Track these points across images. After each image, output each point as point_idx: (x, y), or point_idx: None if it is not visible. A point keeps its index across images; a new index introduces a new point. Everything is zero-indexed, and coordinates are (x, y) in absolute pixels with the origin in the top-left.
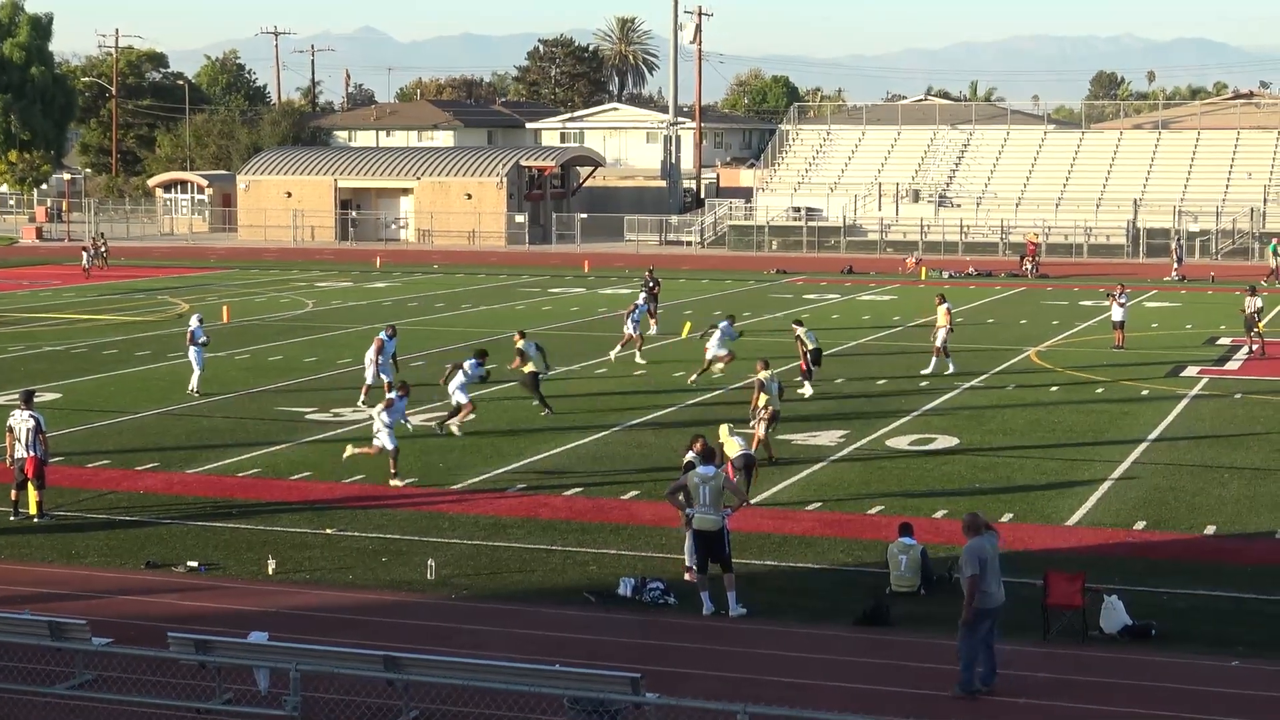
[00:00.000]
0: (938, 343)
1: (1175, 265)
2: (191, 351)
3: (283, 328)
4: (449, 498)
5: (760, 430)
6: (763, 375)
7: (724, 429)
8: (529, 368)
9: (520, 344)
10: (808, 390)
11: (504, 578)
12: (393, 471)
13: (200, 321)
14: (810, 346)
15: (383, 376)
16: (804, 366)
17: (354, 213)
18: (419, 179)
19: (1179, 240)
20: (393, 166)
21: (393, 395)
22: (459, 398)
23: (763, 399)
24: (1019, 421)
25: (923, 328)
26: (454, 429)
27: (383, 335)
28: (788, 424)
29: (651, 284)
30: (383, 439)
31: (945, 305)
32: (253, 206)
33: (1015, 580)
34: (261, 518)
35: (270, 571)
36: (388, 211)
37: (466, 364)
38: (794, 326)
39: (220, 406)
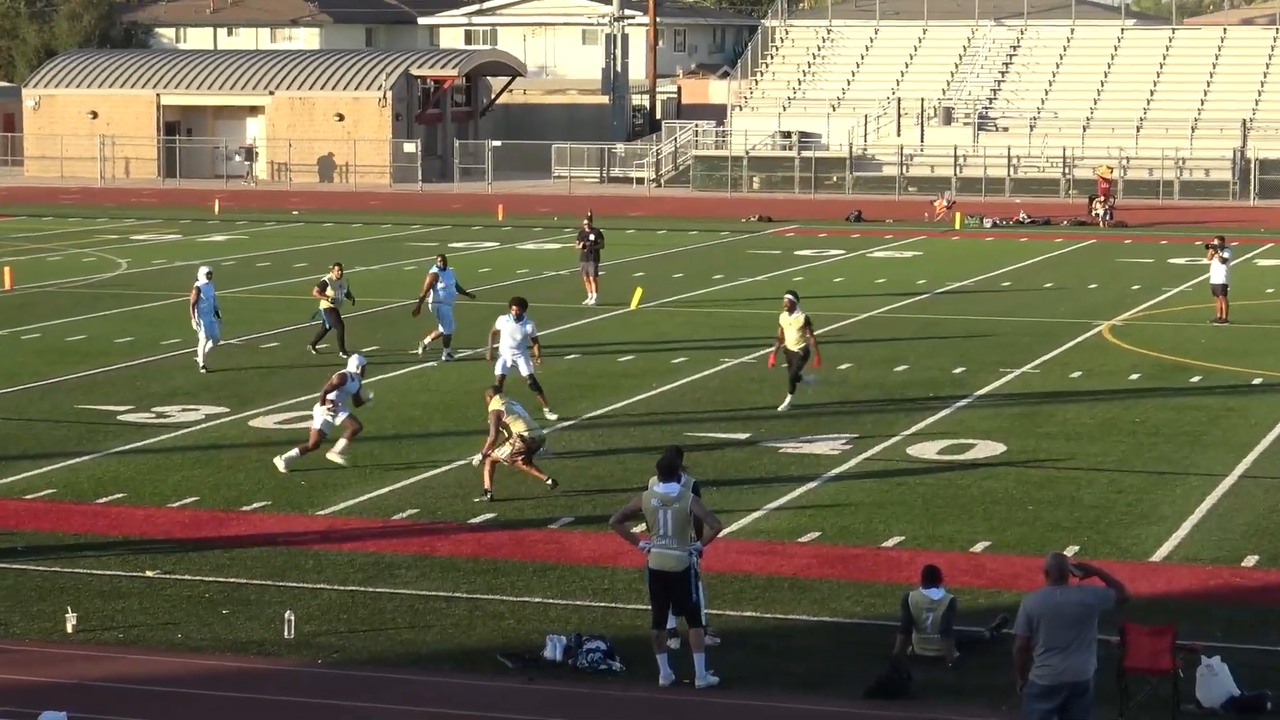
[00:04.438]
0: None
1: None
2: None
3: (86, 297)
4: (314, 529)
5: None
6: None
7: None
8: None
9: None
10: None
11: (389, 636)
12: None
13: (209, 277)
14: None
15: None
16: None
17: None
18: (273, 93)
19: None
20: (237, 76)
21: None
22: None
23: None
24: (1086, 422)
25: (955, 295)
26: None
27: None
28: (774, 428)
29: (591, 236)
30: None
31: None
32: (45, 131)
33: None
34: (58, 556)
35: (70, 629)
36: (230, 137)
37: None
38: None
39: (1, 404)
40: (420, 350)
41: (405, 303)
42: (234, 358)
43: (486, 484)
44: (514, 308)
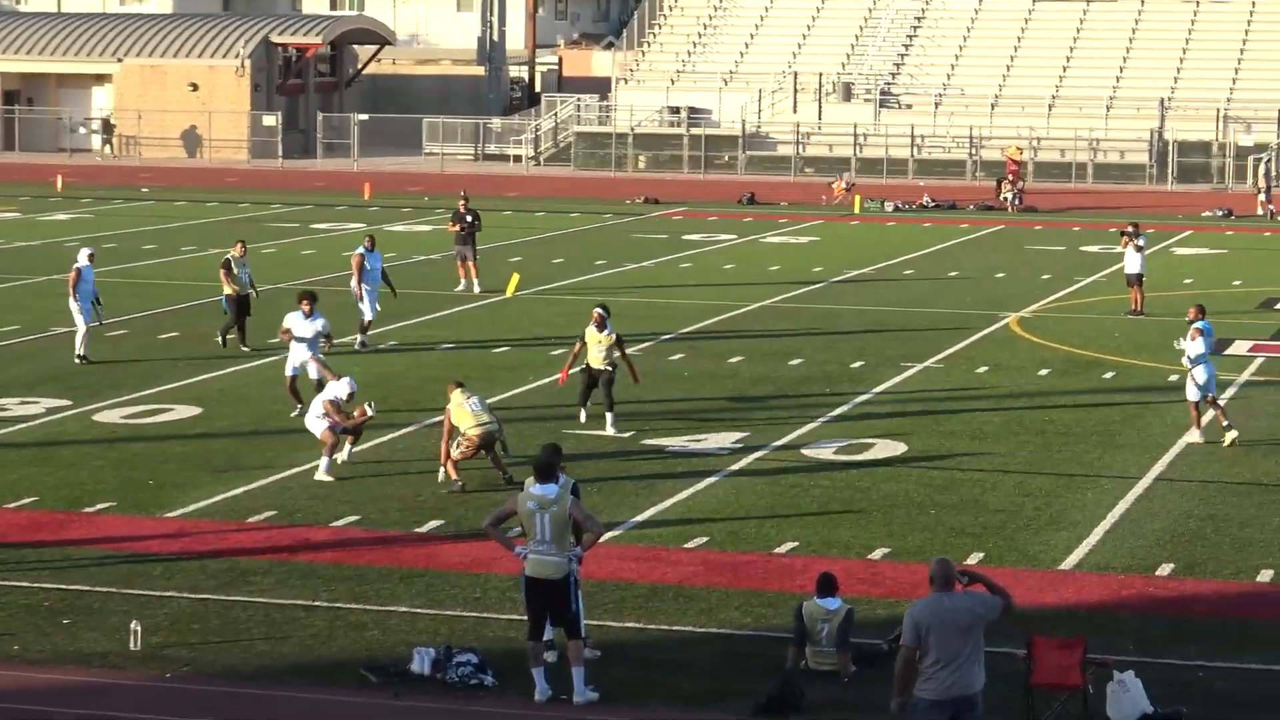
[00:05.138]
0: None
1: (1263, 197)
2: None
3: None
4: (163, 532)
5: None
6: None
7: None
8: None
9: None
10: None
11: (243, 648)
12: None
13: (91, 259)
14: None
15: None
16: None
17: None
18: (121, 60)
19: (1270, 159)
20: (82, 41)
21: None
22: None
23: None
24: (993, 421)
25: (854, 283)
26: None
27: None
28: (662, 424)
29: (469, 218)
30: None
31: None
32: None
33: (985, 649)
34: None
35: None
36: (74, 107)
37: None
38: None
39: None
40: (359, 344)
41: (261, 289)
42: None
43: (453, 475)
44: (304, 303)
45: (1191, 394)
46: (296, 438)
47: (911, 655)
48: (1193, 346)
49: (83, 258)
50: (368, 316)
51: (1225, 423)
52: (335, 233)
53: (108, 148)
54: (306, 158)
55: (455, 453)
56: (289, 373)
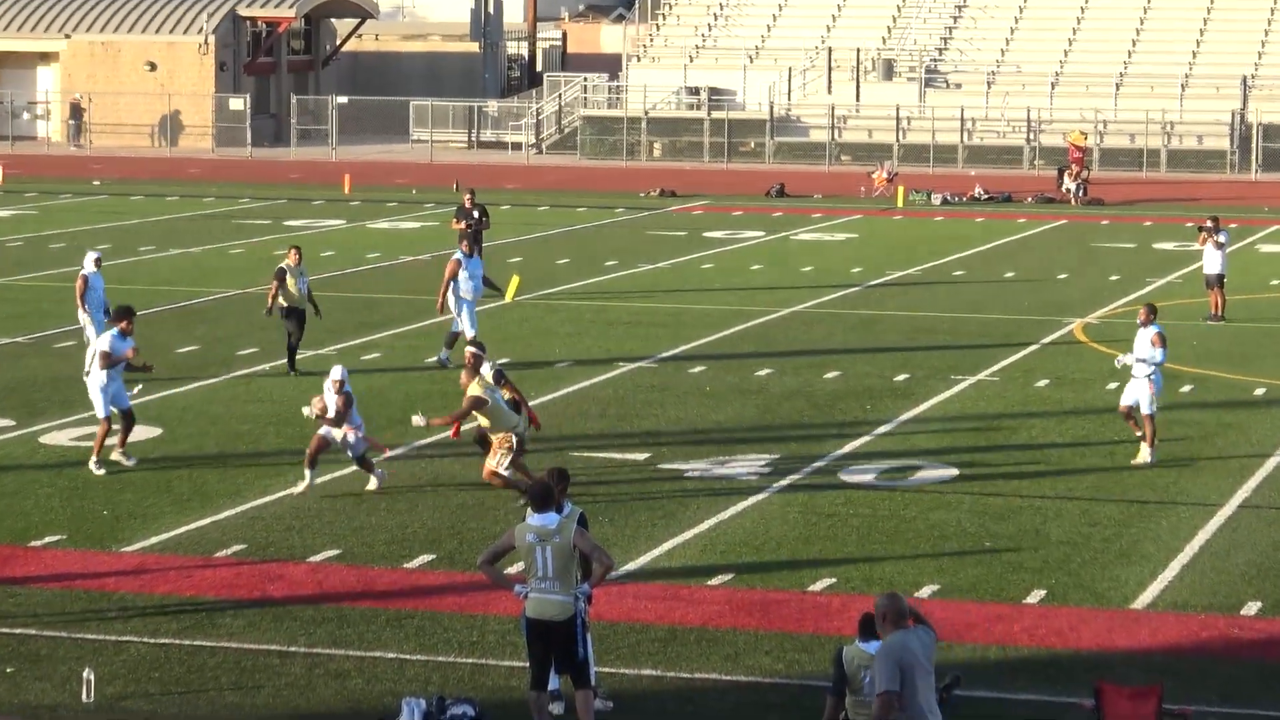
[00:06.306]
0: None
1: None
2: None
3: None
4: (119, 568)
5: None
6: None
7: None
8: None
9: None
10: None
11: (209, 699)
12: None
13: (98, 264)
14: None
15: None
16: None
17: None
18: (69, 37)
19: None
20: (25, 16)
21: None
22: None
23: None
24: (1055, 441)
25: (897, 286)
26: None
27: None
28: (681, 445)
29: (475, 214)
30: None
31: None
32: None
33: (1048, 698)
34: None
35: None
36: (17, 89)
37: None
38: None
39: None
40: (439, 361)
41: (229, 294)
42: (22, 360)
43: (525, 476)
44: (124, 322)
45: (1133, 400)
46: (269, 461)
47: (897, 703)
48: (1155, 353)
49: (89, 263)
50: (470, 332)
51: (1146, 439)
52: (311, 230)
53: (50, 131)
54: (279, 146)
55: (498, 463)
56: (103, 414)
